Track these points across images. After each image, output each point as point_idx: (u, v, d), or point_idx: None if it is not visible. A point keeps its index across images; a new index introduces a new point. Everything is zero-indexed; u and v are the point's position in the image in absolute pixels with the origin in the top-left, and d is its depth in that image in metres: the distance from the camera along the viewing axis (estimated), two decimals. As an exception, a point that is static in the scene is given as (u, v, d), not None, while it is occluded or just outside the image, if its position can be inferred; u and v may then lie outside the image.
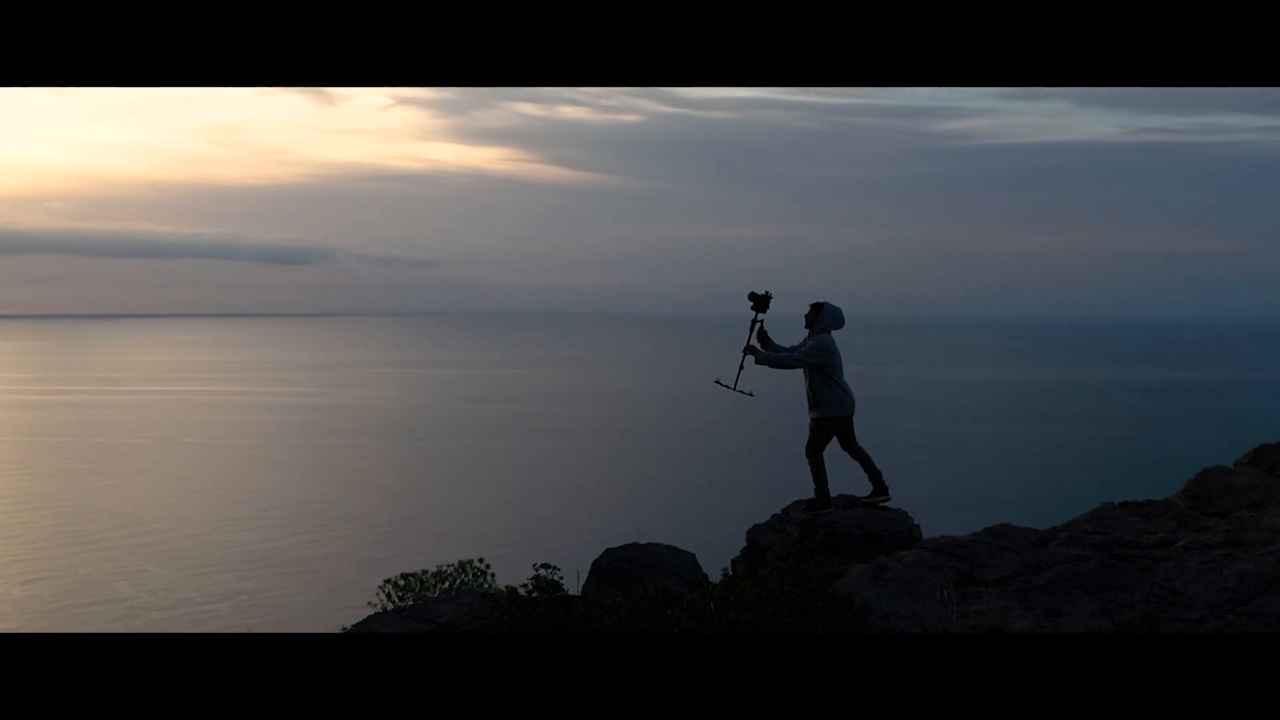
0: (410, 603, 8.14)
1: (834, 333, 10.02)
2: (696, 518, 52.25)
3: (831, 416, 9.85)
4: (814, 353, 9.83)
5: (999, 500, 55.07)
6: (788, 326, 10.50)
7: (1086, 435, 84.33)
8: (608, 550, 8.76)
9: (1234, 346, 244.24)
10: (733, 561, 9.21)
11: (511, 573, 9.35)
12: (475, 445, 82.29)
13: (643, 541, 9.27)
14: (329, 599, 41.27)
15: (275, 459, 75.22)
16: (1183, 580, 7.79)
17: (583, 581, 8.31)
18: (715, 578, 9.05)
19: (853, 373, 10.15)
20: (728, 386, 10.07)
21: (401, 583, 8.73)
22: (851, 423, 10.02)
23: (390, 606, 8.18)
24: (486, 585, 8.81)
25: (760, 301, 9.78)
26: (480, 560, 8.88)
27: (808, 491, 10.15)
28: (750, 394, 10.02)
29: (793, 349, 10.05)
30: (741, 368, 9.91)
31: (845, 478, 10.04)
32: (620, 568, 8.38)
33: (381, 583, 8.74)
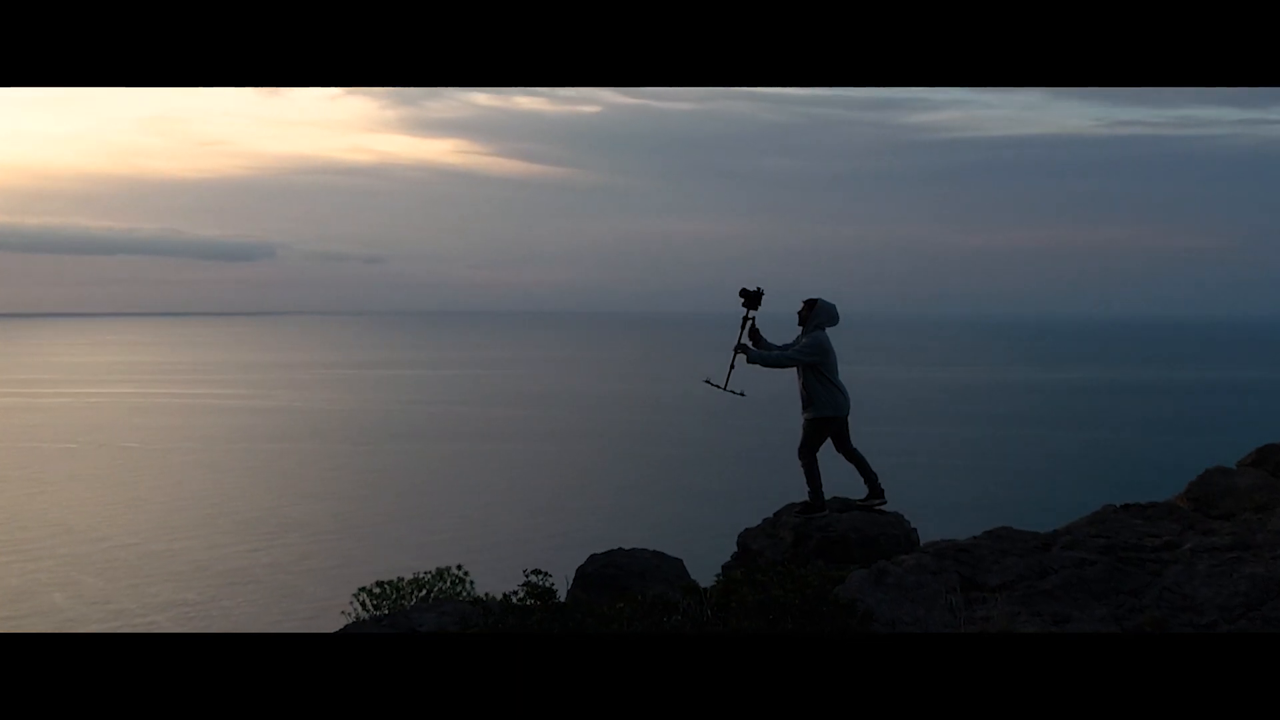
0: (386, 611, 8.01)
1: (828, 330, 9.97)
2: (676, 523, 52.36)
3: (826, 417, 9.82)
4: (807, 351, 9.79)
5: (985, 503, 55.75)
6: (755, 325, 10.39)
7: (1070, 437, 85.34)
8: (592, 556, 8.69)
9: (1215, 347, 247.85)
10: (724, 567, 9.16)
11: (488, 581, 9.25)
12: (428, 449, 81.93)
13: (625, 547, 9.18)
14: (273, 609, 40.91)
15: (216, 464, 74.58)
16: (1192, 584, 7.81)
17: (568, 588, 8.23)
18: (703, 584, 9.01)
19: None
20: (718, 386, 10.03)
21: (376, 591, 8.60)
22: (846, 424, 9.99)
23: (365, 615, 8.04)
24: (464, 593, 8.69)
25: (752, 298, 9.73)
26: (458, 567, 8.76)
27: (797, 495, 10.11)
28: (742, 394, 9.99)
29: (785, 347, 10.01)
30: (733, 367, 9.87)
31: (838, 480, 10.00)
32: (606, 574, 8.31)
33: (356, 591, 8.61)
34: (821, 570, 7.29)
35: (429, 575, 8.72)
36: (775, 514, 9.83)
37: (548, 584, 6.09)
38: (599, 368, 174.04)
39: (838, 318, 10.01)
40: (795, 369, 9.88)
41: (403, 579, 8.69)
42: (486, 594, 6.88)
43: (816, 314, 9.92)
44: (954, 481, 63.24)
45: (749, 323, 9.89)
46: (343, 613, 8.35)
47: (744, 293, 9.73)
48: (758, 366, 9.81)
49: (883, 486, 9.96)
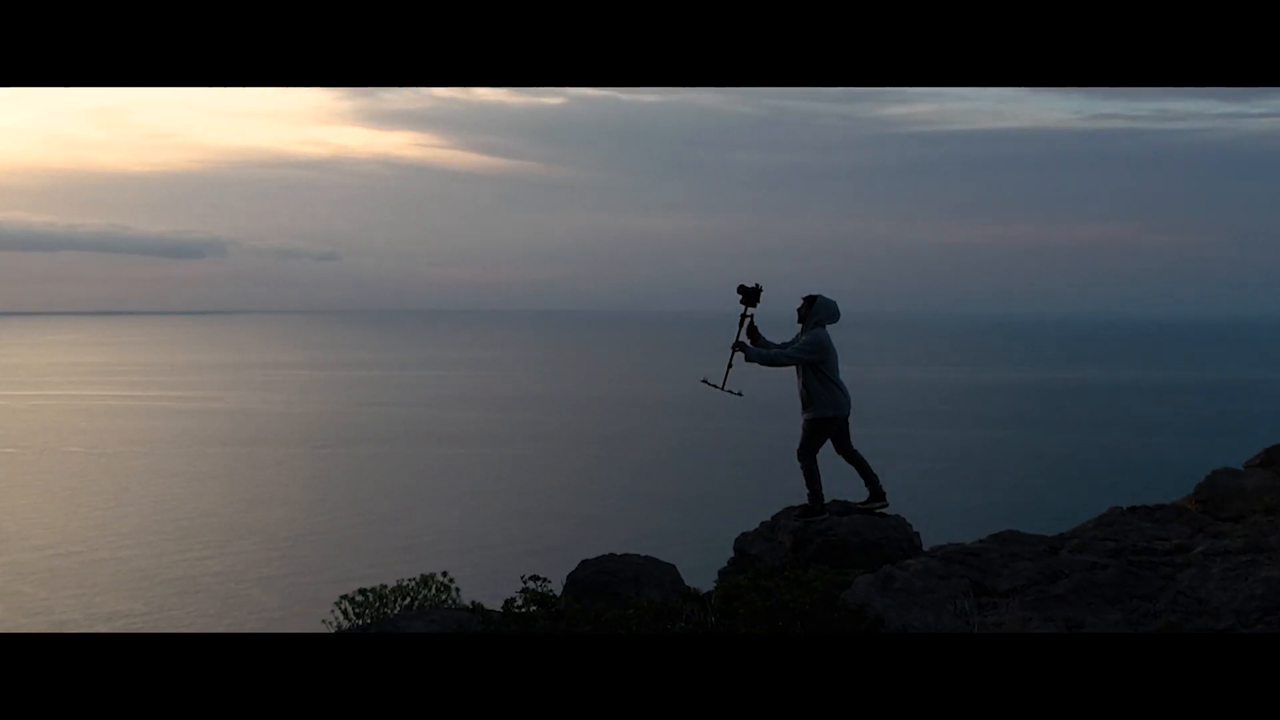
0: (369, 620, 7.91)
1: (829, 327, 9.96)
2: (666, 528, 52.37)
3: (826, 417, 9.82)
4: (807, 349, 9.79)
5: (981, 506, 56.12)
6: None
7: (1060, 439, 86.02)
8: (583, 562, 8.64)
9: (1195, 346, 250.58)
10: (720, 572, 9.14)
11: (473, 589, 9.16)
12: (388, 453, 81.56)
13: (614, 553, 9.14)
14: (223, 619, 40.54)
15: (164, 469, 74.02)
16: (1207, 589, 7.83)
17: (559, 595, 8.17)
18: (697, 590, 8.97)
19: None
20: (715, 386, 10.02)
21: (359, 599, 8.49)
22: (847, 424, 9.98)
23: (348, 625, 7.93)
24: (450, 600, 8.60)
25: (750, 295, 9.73)
26: (444, 574, 8.67)
27: (791, 498, 10.10)
28: (739, 394, 9.97)
29: (785, 345, 10.00)
30: (730, 365, 9.85)
31: (838, 482, 9.99)
32: (598, 580, 8.25)
33: (337, 599, 8.51)
34: (827, 575, 7.26)
35: (413, 582, 8.62)
36: (773, 517, 9.82)
37: (547, 589, 6.01)
38: (571, 368, 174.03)
39: (838, 314, 10.00)
40: (794, 368, 9.87)
41: (385, 586, 8.59)
42: (474, 602, 6.78)
43: (816, 311, 9.91)
44: (947, 484, 63.53)
45: (747, 320, 9.89)
46: (323, 621, 8.23)
47: (742, 289, 9.73)
48: (756, 365, 9.80)
49: (884, 489, 9.96)
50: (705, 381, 10.16)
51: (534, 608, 5.82)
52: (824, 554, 8.85)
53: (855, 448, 10.05)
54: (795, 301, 10.13)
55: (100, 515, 58.91)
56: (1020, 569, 8.05)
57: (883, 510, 9.86)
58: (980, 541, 8.61)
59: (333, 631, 7.61)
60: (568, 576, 8.31)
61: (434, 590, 8.58)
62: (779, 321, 10.32)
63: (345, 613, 8.30)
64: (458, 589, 8.59)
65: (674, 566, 8.99)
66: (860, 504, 9.96)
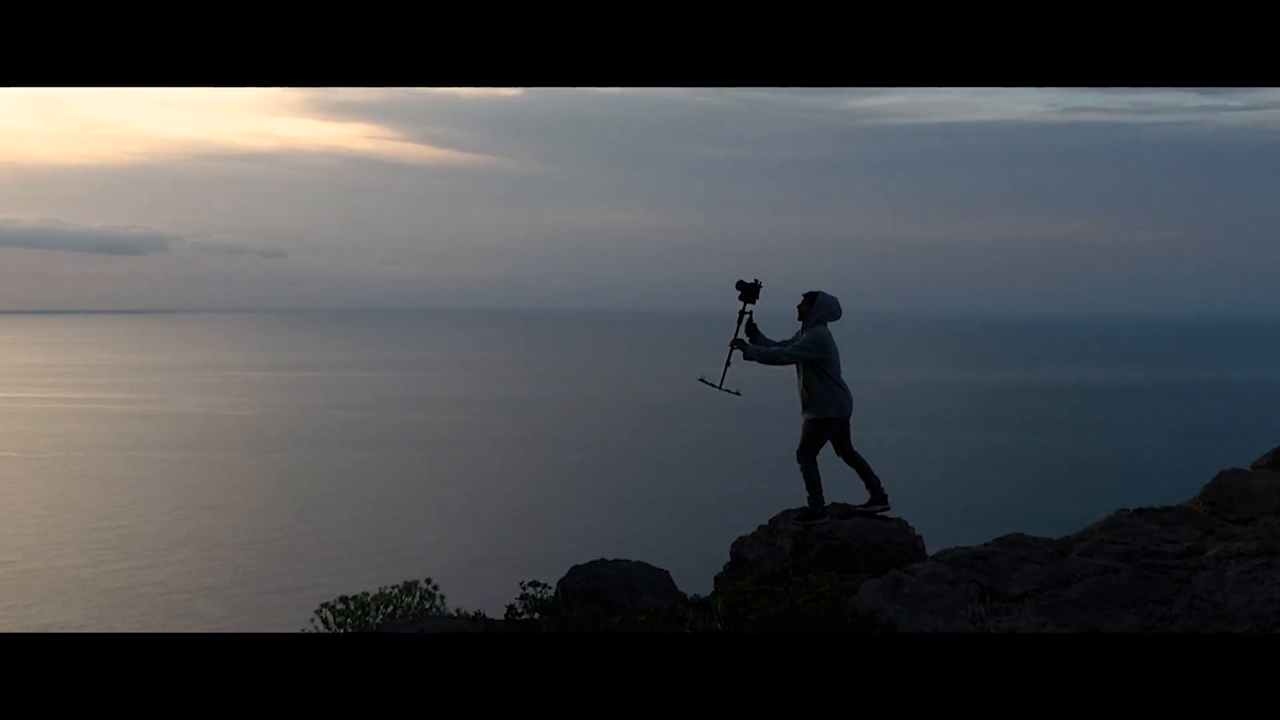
0: (351, 629, 7.80)
1: (830, 325, 9.95)
2: (652, 533, 52.31)
3: (828, 418, 9.81)
4: (808, 347, 9.77)
5: (974, 508, 56.54)
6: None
7: (1040, 440, 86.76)
8: (574, 568, 8.60)
9: (1170, 346, 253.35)
10: (717, 578, 9.11)
11: (455, 597, 9.07)
12: (337, 457, 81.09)
13: (599, 559, 9.09)
14: (165, 629, 40.10)
15: (103, 474, 73.31)
16: (1223, 592, 7.87)
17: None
18: (690, 596, 8.92)
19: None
20: (713, 385, 10.01)
21: (340, 607, 8.39)
22: (848, 425, 9.97)
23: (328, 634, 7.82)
24: (435, 608, 8.51)
25: (749, 291, 9.73)
26: (428, 581, 8.58)
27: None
28: (738, 393, 9.96)
29: (784, 343, 9.99)
30: (728, 364, 9.82)
31: (835, 485, 9.96)
32: (590, 586, 8.20)
33: (318, 607, 8.40)
34: (834, 580, 7.22)
35: (395, 589, 8.53)
36: (771, 521, 9.80)
37: (547, 596, 5.94)
38: (531, 369, 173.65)
39: (840, 311, 9.99)
40: (794, 366, 9.85)
41: (368, 594, 8.49)
42: (477, 611, 6.71)
43: (817, 307, 9.89)
44: (940, 485, 63.80)
45: (746, 317, 9.87)
46: (303, 631, 8.12)
47: (741, 285, 9.74)
48: (755, 363, 9.78)
49: (885, 491, 9.95)
50: (702, 380, 10.14)
51: (536, 615, 5.73)
52: (826, 558, 8.83)
53: (856, 449, 10.04)
54: (780, 299, 10.11)
55: (36, 523, 58.23)
56: (1030, 573, 8.05)
57: (884, 513, 9.85)
58: (986, 545, 8.61)
59: (333, 632, 7.53)
60: (559, 583, 8.24)
61: (418, 598, 8.49)
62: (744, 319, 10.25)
63: (326, 621, 8.20)
64: (442, 596, 8.50)
65: (667, 573, 8.96)
66: (861, 506, 9.96)
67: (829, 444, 9.98)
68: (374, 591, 8.52)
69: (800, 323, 10.01)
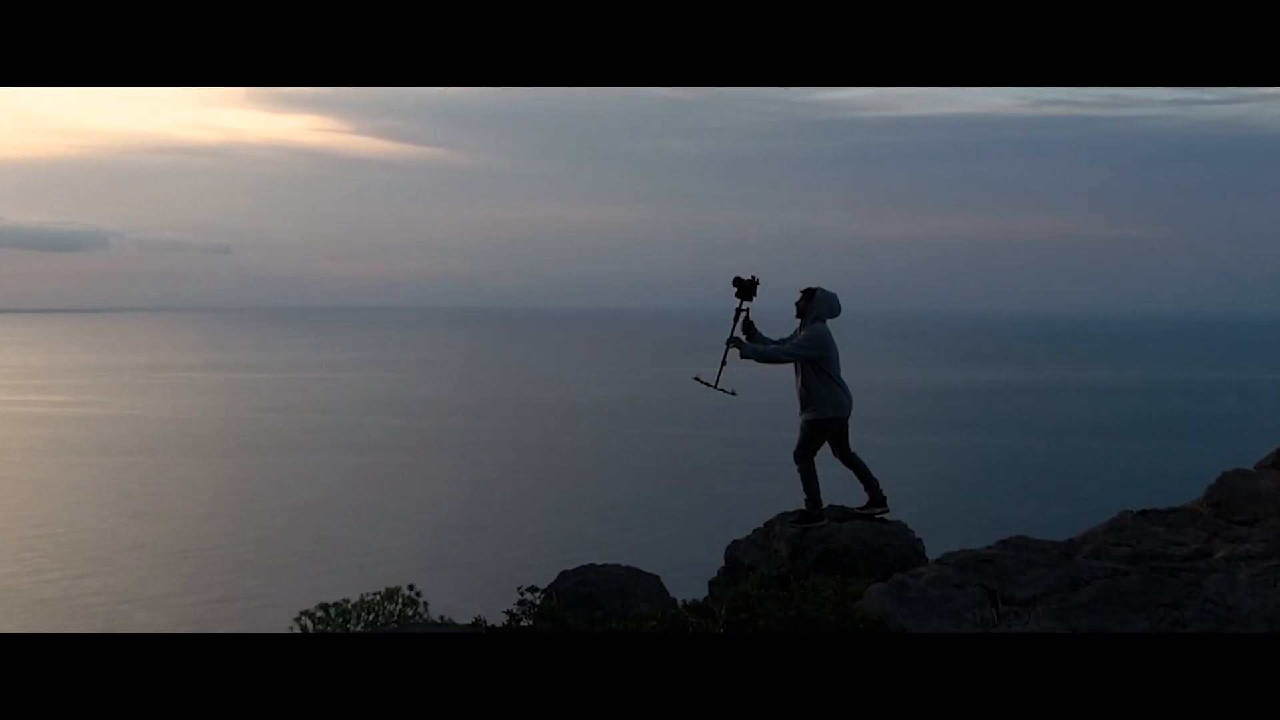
0: (333, 637, 7.72)
1: (829, 322, 9.95)
2: (634, 537, 52.18)
3: (827, 418, 9.82)
4: (807, 345, 9.77)
5: (964, 509, 56.86)
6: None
7: (1019, 442, 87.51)
8: (563, 573, 8.58)
9: (1140, 345, 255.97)
10: (711, 583, 9.09)
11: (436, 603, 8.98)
12: (281, 462, 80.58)
13: (589, 564, 9.05)
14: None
15: (39, 480, 72.64)
16: (1235, 595, 7.92)
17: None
18: (697, 600, 8.88)
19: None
20: (708, 384, 10.01)
21: (319, 615, 8.29)
22: (847, 426, 9.97)
23: (309, 644, 7.67)
24: (417, 615, 8.42)
25: (746, 288, 9.74)
26: (410, 588, 8.50)
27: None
28: (734, 393, 9.95)
29: (783, 341, 9.98)
30: (724, 363, 9.81)
31: (828, 487, 9.95)
32: (581, 592, 8.17)
33: (297, 615, 8.31)
34: (838, 584, 7.21)
35: (377, 596, 8.44)
36: (766, 524, 9.80)
37: (549, 603, 5.87)
38: (489, 370, 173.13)
39: (839, 308, 10.00)
40: (792, 365, 9.86)
41: (348, 601, 8.40)
42: (476, 618, 6.64)
43: (816, 304, 9.90)
44: (929, 486, 64.09)
45: (742, 315, 9.87)
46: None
47: (737, 281, 9.74)
48: (752, 362, 9.79)
49: (885, 493, 9.95)
50: (698, 379, 10.14)
51: (535, 622, 5.67)
52: (825, 562, 8.83)
53: (854, 450, 10.04)
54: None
55: (-36, 531, 57.47)
56: (1038, 576, 8.08)
57: (883, 516, 9.86)
58: (989, 548, 8.63)
59: (331, 632, 7.49)
60: (548, 589, 8.20)
61: (400, 605, 8.41)
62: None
63: (305, 629, 8.09)
64: (426, 603, 8.43)
65: (658, 577, 8.94)
66: (859, 509, 9.97)
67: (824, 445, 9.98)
68: (354, 599, 8.45)
69: (799, 320, 10.00)
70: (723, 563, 9.53)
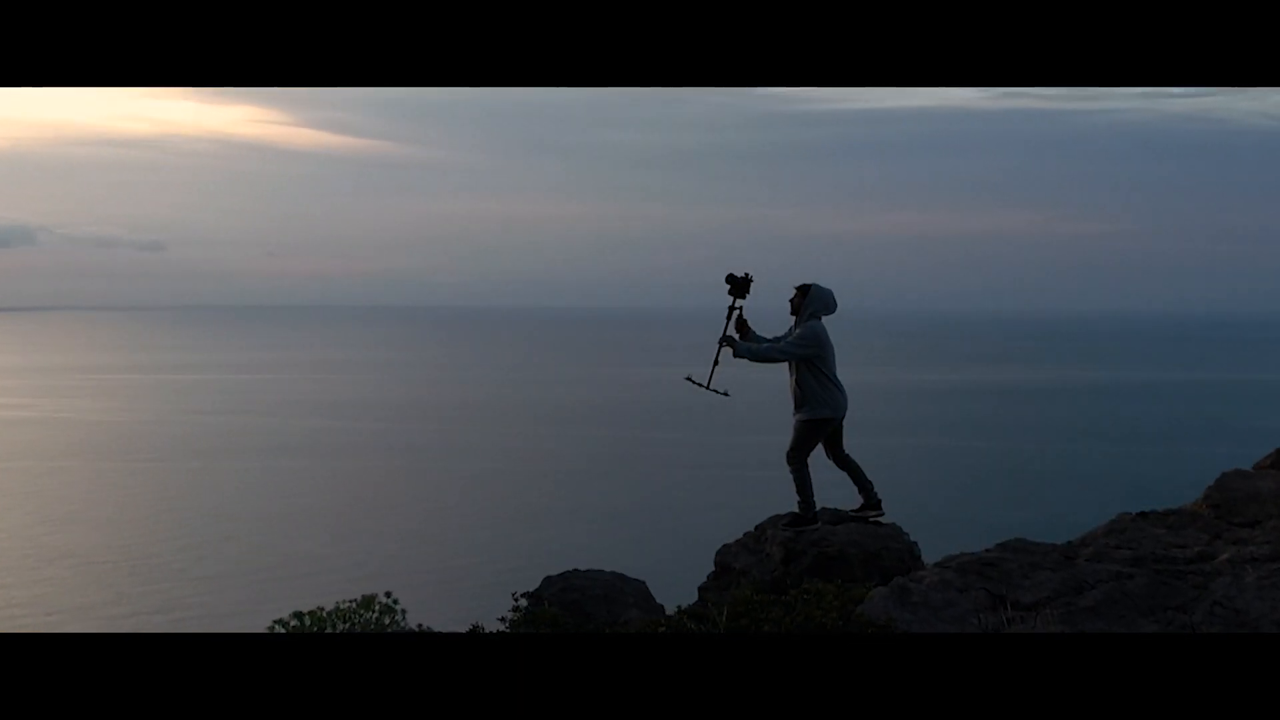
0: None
1: (825, 319, 9.96)
2: (613, 542, 52.01)
3: (822, 418, 9.82)
4: (802, 343, 9.76)
5: (954, 510, 57.25)
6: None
7: (996, 444, 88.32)
8: (547, 578, 8.55)
9: (1106, 342, 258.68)
10: (700, 589, 9.06)
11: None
12: (218, 466, 79.92)
13: (573, 569, 9.01)
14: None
15: (-40, 486, 71.43)
16: (1244, 599, 7.98)
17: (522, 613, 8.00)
18: (669, 608, 8.84)
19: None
20: (700, 385, 10.00)
21: (293, 624, 8.17)
22: (841, 427, 9.97)
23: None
24: (394, 624, 8.33)
25: (739, 285, 9.75)
26: (387, 595, 8.40)
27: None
28: (726, 394, 9.94)
29: (777, 339, 9.97)
30: (717, 362, 9.80)
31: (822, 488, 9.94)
32: (567, 598, 8.14)
33: (270, 624, 8.19)
34: (839, 589, 7.19)
35: (352, 604, 8.34)
36: (757, 527, 9.78)
37: (550, 609, 5.82)
38: (436, 371, 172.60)
39: (835, 305, 10.01)
40: (786, 364, 9.85)
41: (323, 608, 8.29)
42: (474, 625, 6.60)
43: (811, 300, 9.89)
44: (919, 489, 64.45)
45: (736, 313, 9.87)
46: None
47: (731, 278, 9.74)
48: (745, 361, 9.81)
49: (879, 496, 9.95)
50: (689, 380, 10.12)
51: (543, 628, 5.63)
52: (820, 566, 8.82)
53: (848, 452, 10.04)
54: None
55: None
56: (1042, 580, 8.11)
57: (877, 519, 9.86)
58: (989, 551, 8.66)
59: (331, 632, 7.44)
60: (531, 595, 8.14)
61: (377, 613, 8.31)
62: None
63: (280, 639, 7.98)
64: (404, 611, 8.34)
65: (643, 583, 8.90)
66: (853, 511, 9.97)
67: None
68: (330, 606, 8.34)
69: (793, 317, 9.99)
70: (712, 568, 9.50)
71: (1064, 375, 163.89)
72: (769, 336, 10.03)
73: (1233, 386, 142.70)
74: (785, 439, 9.91)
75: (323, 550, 54.04)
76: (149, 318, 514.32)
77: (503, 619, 5.73)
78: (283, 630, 7.96)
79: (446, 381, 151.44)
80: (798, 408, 9.84)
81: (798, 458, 9.82)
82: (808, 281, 9.97)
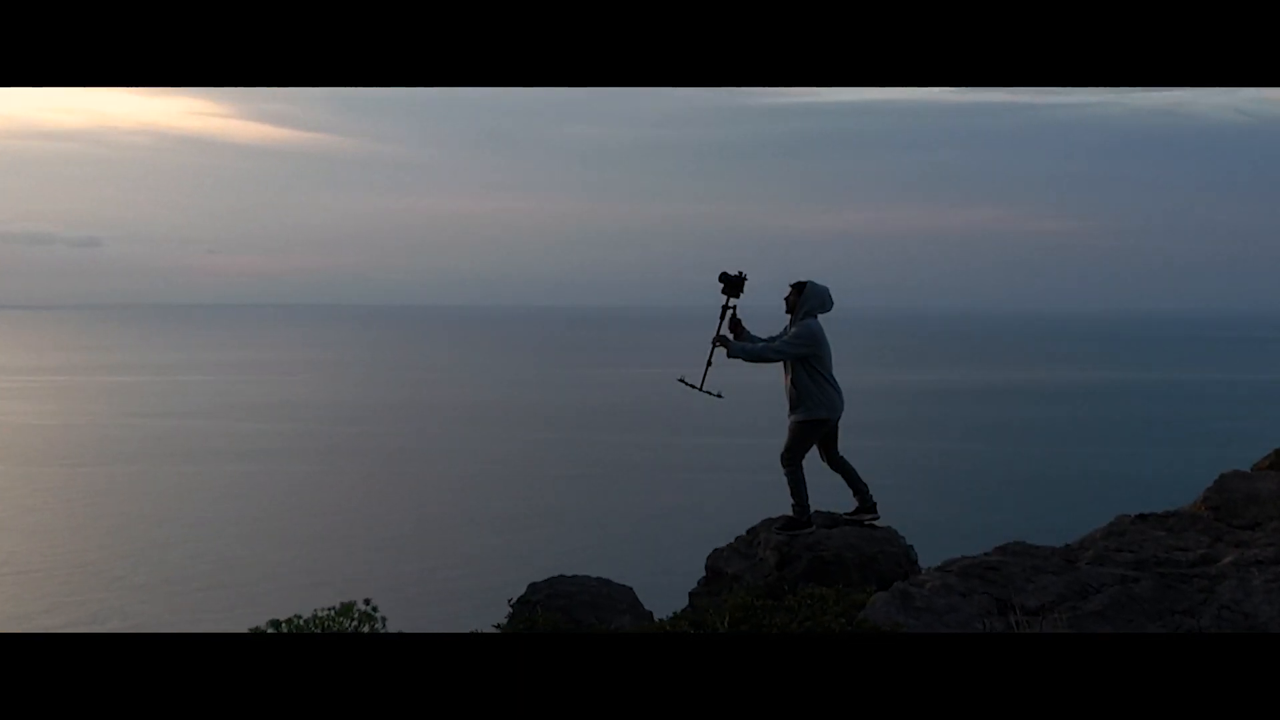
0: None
1: (821, 318, 9.98)
2: (594, 547, 51.86)
3: (818, 419, 9.81)
4: (798, 342, 9.76)
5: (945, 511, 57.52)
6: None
7: (975, 446, 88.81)
8: (532, 584, 8.49)
9: (1077, 343, 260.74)
10: (691, 594, 9.02)
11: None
12: (155, 471, 79.31)
13: (559, 574, 8.95)
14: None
15: (-115, 493, 70.51)
16: (1251, 602, 8.04)
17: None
18: (658, 614, 8.82)
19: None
20: (693, 386, 9.98)
21: (270, 632, 8.07)
22: (836, 428, 9.98)
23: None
24: (374, 631, 8.24)
25: (733, 284, 9.74)
26: (367, 602, 8.31)
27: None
28: (720, 395, 9.94)
29: (772, 339, 9.97)
30: (710, 363, 9.77)
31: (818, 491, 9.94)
32: (554, 605, 8.10)
33: (249, 629, 8.10)
34: (838, 593, 7.19)
35: (331, 611, 8.24)
36: (749, 531, 9.76)
37: (549, 614, 5.78)
38: (385, 371, 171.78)
39: (831, 303, 10.01)
40: (781, 364, 9.87)
41: (300, 616, 8.20)
42: (474, 632, 6.57)
43: (806, 299, 9.89)
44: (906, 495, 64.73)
45: (729, 312, 9.87)
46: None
47: (724, 277, 9.73)
48: (739, 361, 9.80)
49: (875, 499, 9.95)
50: (682, 380, 10.09)
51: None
52: (815, 570, 8.80)
53: (842, 454, 10.04)
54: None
55: None
56: (1046, 584, 8.13)
57: (873, 522, 9.87)
58: (989, 554, 8.68)
59: (331, 633, 7.40)
60: (516, 601, 8.09)
61: (356, 620, 8.23)
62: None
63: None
64: (384, 619, 8.25)
65: (631, 589, 8.86)
66: (848, 514, 9.96)
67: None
68: (307, 614, 8.25)
69: (788, 315, 9.99)
70: (702, 573, 9.46)
71: (1039, 375, 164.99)
72: (763, 336, 10.03)
73: (1211, 386, 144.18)
74: (777, 442, 9.92)
75: (275, 555, 53.80)
76: (85, 316, 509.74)
77: (498, 626, 5.66)
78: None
79: (398, 382, 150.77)
80: (793, 408, 9.84)
81: (793, 459, 9.82)
82: (802, 279, 9.98)
